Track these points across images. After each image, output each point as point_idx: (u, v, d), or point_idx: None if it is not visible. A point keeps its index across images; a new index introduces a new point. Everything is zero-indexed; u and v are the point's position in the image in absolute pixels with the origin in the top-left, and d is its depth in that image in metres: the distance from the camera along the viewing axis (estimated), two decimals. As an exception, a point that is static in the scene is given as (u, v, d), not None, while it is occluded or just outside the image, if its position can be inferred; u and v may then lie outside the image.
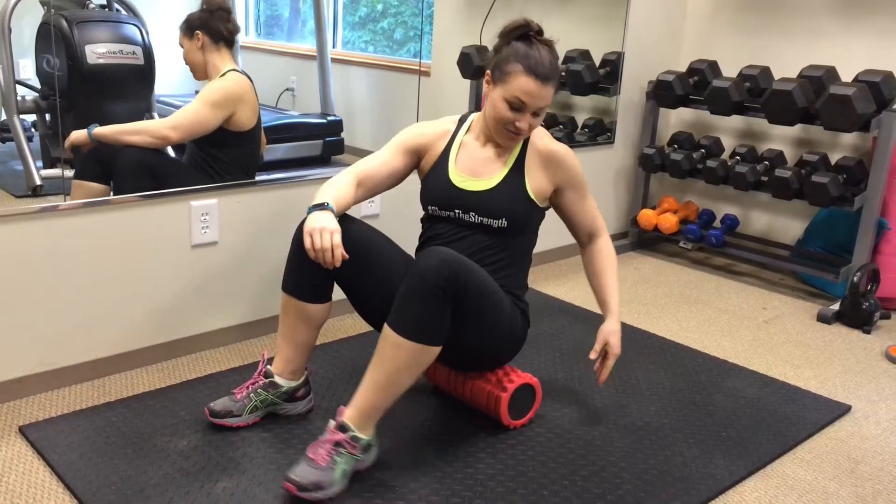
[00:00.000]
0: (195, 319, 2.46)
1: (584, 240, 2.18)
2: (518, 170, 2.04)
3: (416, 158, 2.13)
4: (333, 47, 2.74)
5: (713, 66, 3.52)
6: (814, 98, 3.10)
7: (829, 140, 3.45)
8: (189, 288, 2.41)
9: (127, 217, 2.24)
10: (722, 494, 1.90)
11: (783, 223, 3.66)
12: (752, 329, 2.93)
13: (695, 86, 3.54)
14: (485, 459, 1.95)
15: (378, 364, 1.79)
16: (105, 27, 2.20)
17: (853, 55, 3.33)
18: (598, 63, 3.51)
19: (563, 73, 3.41)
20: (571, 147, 2.11)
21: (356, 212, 2.71)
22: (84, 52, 2.16)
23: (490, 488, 1.84)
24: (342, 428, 1.77)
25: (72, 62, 2.13)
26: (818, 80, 3.15)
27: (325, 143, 2.77)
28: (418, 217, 2.17)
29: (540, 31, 1.96)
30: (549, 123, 3.46)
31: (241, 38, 2.44)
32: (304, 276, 1.98)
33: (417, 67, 2.86)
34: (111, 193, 2.22)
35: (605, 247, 2.15)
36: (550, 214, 2.20)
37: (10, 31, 2.02)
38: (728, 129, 3.76)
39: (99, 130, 2.20)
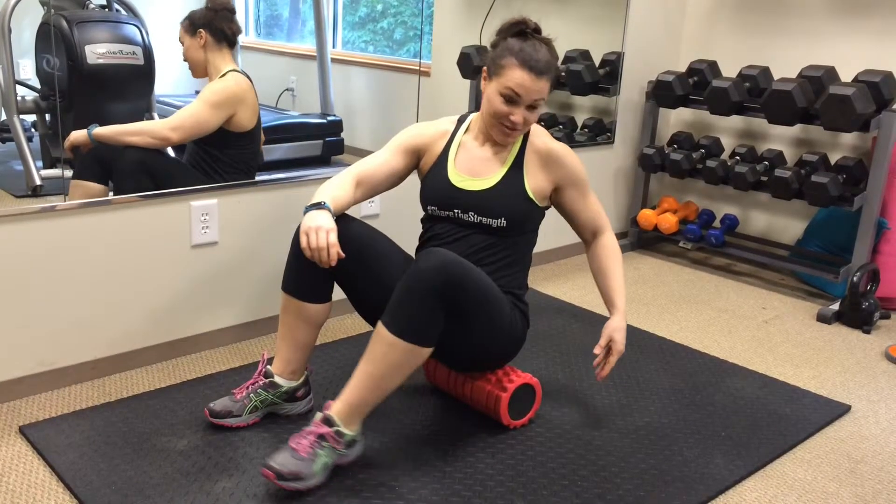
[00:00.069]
0: (195, 319, 2.46)
1: (588, 237, 2.18)
2: (517, 169, 2.04)
3: (415, 158, 2.13)
4: (333, 47, 2.74)
5: (713, 66, 3.52)
6: (813, 98, 3.10)
7: (828, 140, 3.46)
8: (189, 288, 2.41)
9: (127, 217, 2.24)
10: (721, 494, 1.90)
11: (783, 223, 3.66)
12: (751, 329, 2.93)
13: (694, 86, 3.54)
14: (484, 459, 1.95)
15: (369, 361, 1.79)
16: (105, 27, 2.20)
17: (853, 55, 3.33)
18: (597, 63, 3.52)
19: (563, 73, 3.41)
20: (571, 147, 2.11)
21: (356, 212, 2.71)
22: (84, 53, 2.16)
23: (490, 488, 1.84)
24: (328, 421, 1.77)
25: (72, 62, 2.13)
26: (818, 80, 3.15)
27: (325, 143, 2.77)
28: (418, 217, 2.17)
29: (537, 29, 1.97)
30: (549, 123, 3.46)
31: (241, 38, 2.44)
32: (304, 276, 1.98)
33: (417, 67, 2.86)
34: (110, 193, 2.22)
35: (609, 244, 2.15)
36: (550, 214, 2.20)
37: (9, 31, 2.02)
38: (728, 129, 3.76)
39: (99, 131, 2.20)
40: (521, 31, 1.94)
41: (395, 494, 1.79)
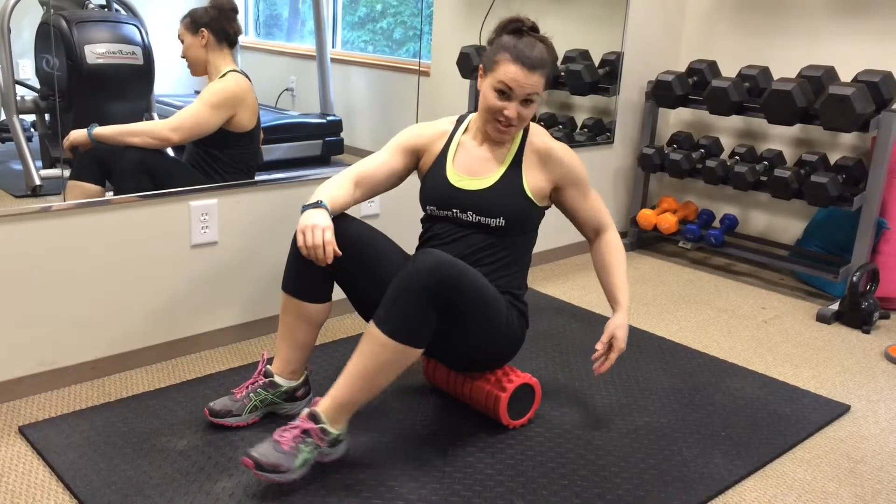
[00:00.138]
0: (195, 319, 2.46)
1: (591, 235, 2.18)
2: (515, 168, 2.04)
3: (415, 159, 2.13)
4: (333, 47, 2.74)
5: (712, 66, 3.52)
6: (813, 98, 3.10)
7: (828, 140, 3.46)
8: (189, 288, 2.41)
9: (127, 217, 2.24)
10: (721, 494, 1.90)
11: (782, 223, 3.66)
12: (751, 329, 2.93)
13: (694, 86, 3.54)
14: (484, 459, 1.95)
15: (359, 360, 1.79)
16: (104, 27, 2.20)
17: (852, 55, 3.33)
18: (597, 63, 3.52)
19: (563, 73, 3.41)
20: (571, 147, 2.11)
21: (356, 212, 2.71)
22: (83, 52, 2.16)
23: (489, 488, 1.84)
24: (314, 417, 1.77)
25: (71, 62, 2.13)
26: (817, 80, 3.15)
27: (325, 143, 2.77)
28: (418, 217, 2.17)
29: (534, 28, 1.97)
30: (549, 123, 3.47)
31: (241, 38, 2.44)
32: (304, 275, 1.98)
33: (417, 67, 2.86)
34: (108, 194, 2.22)
35: (612, 241, 2.15)
36: (550, 213, 2.20)
37: (9, 31, 2.02)
38: (727, 129, 3.77)
39: (99, 131, 2.20)
40: (517, 28, 1.95)
41: (394, 494, 1.79)
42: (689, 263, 3.68)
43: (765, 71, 3.36)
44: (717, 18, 3.74)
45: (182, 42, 2.33)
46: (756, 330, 2.92)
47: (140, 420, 2.05)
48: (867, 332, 2.95)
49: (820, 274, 3.19)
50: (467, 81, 3.05)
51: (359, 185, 2.03)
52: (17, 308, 2.09)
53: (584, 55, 3.44)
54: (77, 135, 2.16)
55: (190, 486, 1.78)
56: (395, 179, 2.11)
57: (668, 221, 3.59)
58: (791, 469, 2.02)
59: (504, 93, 1.93)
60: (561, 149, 2.06)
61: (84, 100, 2.18)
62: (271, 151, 2.61)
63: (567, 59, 3.41)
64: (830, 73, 3.17)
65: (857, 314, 2.96)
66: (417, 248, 2.14)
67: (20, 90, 2.09)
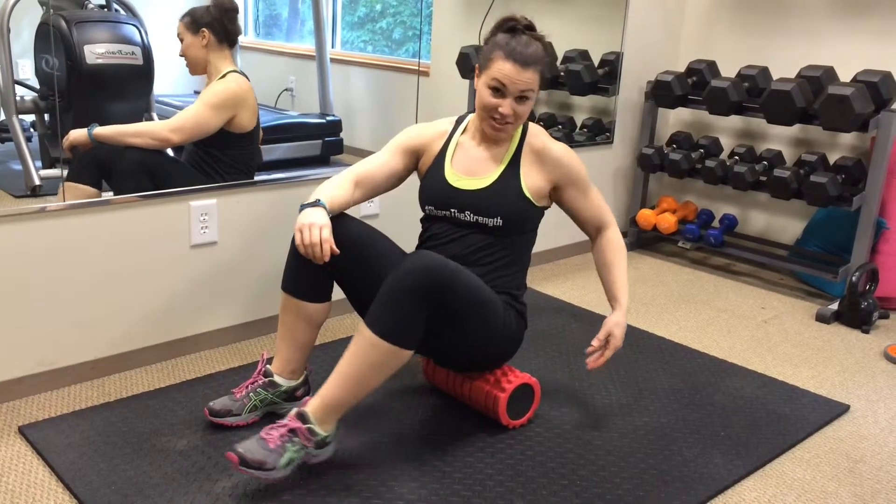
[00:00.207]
0: (194, 319, 2.46)
1: (592, 233, 2.18)
2: (513, 168, 2.04)
3: (414, 159, 2.13)
4: (332, 47, 2.74)
5: (712, 66, 3.52)
6: (812, 98, 3.10)
7: (827, 140, 3.46)
8: (188, 288, 2.41)
9: (127, 217, 2.24)
10: (721, 494, 1.90)
11: (782, 223, 3.66)
12: (750, 329, 2.93)
13: (693, 86, 3.54)
14: (484, 459, 1.95)
15: (349, 360, 1.78)
16: (104, 27, 2.20)
17: (852, 55, 3.34)
18: (596, 63, 3.52)
19: (562, 73, 3.41)
20: (570, 147, 2.11)
21: (356, 212, 2.71)
22: (83, 53, 2.16)
23: (489, 488, 1.84)
24: (302, 417, 1.77)
25: (71, 62, 2.13)
26: (817, 80, 3.15)
27: (325, 143, 2.77)
28: (418, 217, 2.17)
29: (530, 26, 1.98)
30: (549, 123, 3.47)
31: (241, 38, 2.44)
32: (304, 275, 1.98)
33: (416, 67, 2.86)
34: (102, 196, 2.22)
35: (613, 239, 2.15)
36: (549, 213, 2.20)
37: (8, 31, 2.02)
38: (727, 129, 3.77)
39: (99, 131, 2.20)
40: (512, 27, 1.96)
41: (394, 494, 1.79)
42: (688, 263, 3.68)
43: (764, 71, 3.36)
44: (717, 18, 3.74)
45: (181, 41, 2.33)
46: (755, 330, 2.92)
47: (140, 420, 2.05)
48: (866, 331, 2.95)
49: (819, 274, 3.19)
50: (467, 81, 3.05)
51: (358, 185, 2.03)
52: (17, 308, 2.09)
53: (584, 55, 3.45)
54: (77, 135, 2.16)
55: (190, 486, 1.78)
56: (395, 180, 2.11)
57: (668, 221, 3.60)
58: (791, 469, 2.02)
59: (498, 90, 1.94)
60: (559, 149, 2.06)
61: (83, 100, 2.18)
62: (271, 151, 2.61)
63: (566, 59, 3.41)
64: (830, 74, 3.17)
65: (856, 314, 2.97)
66: (417, 248, 2.14)
67: (20, 90, 2.09)
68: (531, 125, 2.11)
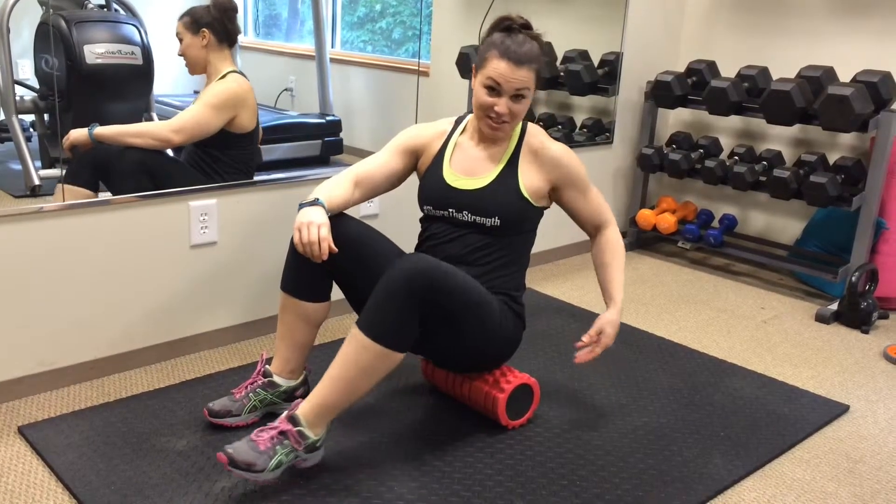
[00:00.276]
0: (194, 319, 2.46)
1: (591, 232, 2.18)
2: (511, 168, 2.04)
3: (414, 159, 2.13)
4: (332, 47, 2.74)
5: (711, 66, 3.52)
6: (812, 98, 3.10)
7: (827, 140, 3.46)
8: (188, 288, 2.41)
9: (126, 217, 2.24)
10: (720, 494, 1.90)
11: (781, 223, 3.66)
12: (750, 329, 2.93)
13: (693, 86, 3.54)
14: (483, 459, 1.95)
15: (340, 363, 1.78)
16: (104, 27, 2.20)
17: (851, 55, 3.34)
18: (596, 63, 3.52)
19: (562, 74, 3.41)
20: (570, 147, 2.11)
21: (355, 212, 2.71)
22: (83, 52, 2.16)
23: (489, 488, 1.84)
24: (292, 420, 1.76)
25: (70, 62, 2.13)
26: (816, 80, 3.15)
27: (324, 143, 2.77)
28: (417, 217, 2.17)
29: (526, 25, 1.98)
30: (548, 123, 3.47)
31: (240, 38, 2.44)
32: (303, 275, 1.98)
33: (416, 67, 2.86)
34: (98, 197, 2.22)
35: (611, 238, 2.15)
36: (549, 214, 2.20)
37: (8, 30, 2.02)
38: (726, 129, 3.77)
39: (100, 131, 2.20)
40: (508, 26, 1.96)
41: (394, 494, 1.79)
42: (688, 263, 3.68)
43: (764, 71, 3.36)
44: (717, 18, 3.74)
45: (180, 41, 2.32)
46: (755, 330, 2.92)
47: (139, 420, 2.05)
48: (866, 332, 2.95)
49: (819, 274, 3.19)
50: (466, 81, 3.05)
51: (358, 185, 2.03)
52: (17, 308, 2.09)
53: (584, 55, 3.45)
54: (77, 134, 2.16)
55: (189, 487, 1.78)
56: (395, 180, 2.12)
57: (668, 221, 3.60)
58: (790, 469, 2.02)
59: (493, 89, 1.94)
60: (558, 149, 2.06)
61: (83, 100, 2.18)
62: (270, 151, 2.61)
63: (566, 59, 3.41)
64: (829, 74, 3.17)
65: (856, 314, 2.97)
66: (416, 248, 2.15)
67: (19, 90, 2.09)
68: (530, 125, 2.11)
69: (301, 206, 1.88)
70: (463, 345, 1.93)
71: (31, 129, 2.15)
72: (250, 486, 1.79)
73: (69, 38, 2.13)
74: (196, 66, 2.37)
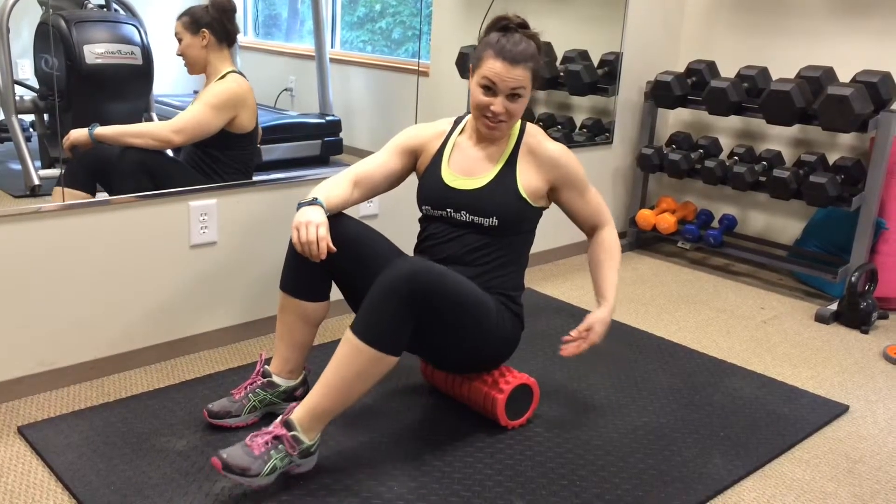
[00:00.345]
0: (194, 319, 2.46)
1: (588, 232, 2.18)
2: (509, 168, 2.04)
3: (413, 159, 2.13)
4: (332, 47, 2.74)
5: (711, 66, 3.53)
6: (812, 98, 3.10)
7: (827, 140, 3.46)
8: (188, 288, 2.41)
9: (126, 217, 2.24)
10: (720, 494, 1.90)
11: (781, 223, 3.66)
12: (750, 329, 2.93)
13: (693, 86, 3.54)
14: (483, 459, 1.95)
15: (335, 367, 1.77)
16: (103, 27, 2.20)
17: (851, 55, 3.34)
18: (596, 63, 3.52)
19: (562, 74, 3.41)
20: (570, 147, 2.11)
21: (355, 212, 2.71)
22: (82, 52, 2.16)
23: (488, 488, 1.84)
24: (287, 425, 1.76)
25: (70, 62, 2.13)
26: (816, 80, 3.15)
27: (324, 143, 2.77)
28: (416, 217, 2.17)
29: (522, 24, 1.98)
30: (548, 123, 3.47)
31: (240, 38, 2.44)
32: (302, 274, 1.98)
33: (416, 67, 2.86)
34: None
35: (606, 238, 2.15)
36: (548, 214, 2.20)
37: (8, 30, 2.02)
38: (726, 130, 3.77)
39: (100, 131, 2.20)
40: (504, 26, 1.97)
41: (394, 494, 1.79)
42: (687, 263, 3.68)
43: (764, 71, 3.36)
44: (716, 18, 3.74)
45: (179, 41, 2.32)
46: (755, 330, 2.92)
47: (139, 420, 2.05)
48: (866, 332, 2.95)
49: (819, 274, 3.20)
50: (466, 81, 3.05)
51: (357, 185, 2.03)
52: (17, 308, 2.09)
53: (583, 55, 3.45)
54: (78, 134, 2.16)
55: (189, 487, 1.78)
56: (394, 180, 2.12)
57: (667, 221, 3.60)
58: (790, 469, 2.02)
59: (489, 88, 1.94)
60: (557, 149, 2.06)
61: (83, 100, 2.18)
62: (270, 151, 2.61)
63: (566, 59, 3.41)
64: (829, 74, 3.17)
65: (855, 314, 2.97)
66: (415, 248, 2.15)
67: (19, 90, 2.09)
68: (529, 125, 2.11)
69: (300, 205, 1.88)
70: (460, 346, 1.93)
71: (31, 129, 2.15)
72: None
73: (69, 37, 2.13)
74: (195, 66, 2.37)
